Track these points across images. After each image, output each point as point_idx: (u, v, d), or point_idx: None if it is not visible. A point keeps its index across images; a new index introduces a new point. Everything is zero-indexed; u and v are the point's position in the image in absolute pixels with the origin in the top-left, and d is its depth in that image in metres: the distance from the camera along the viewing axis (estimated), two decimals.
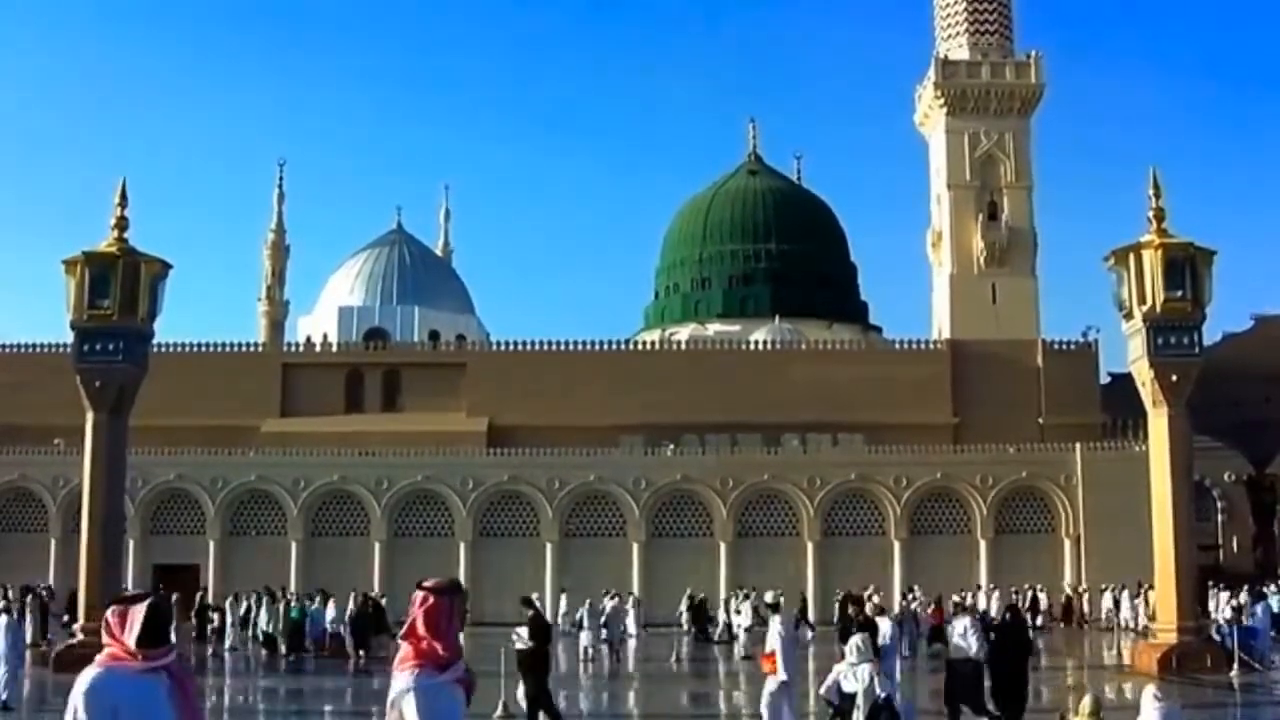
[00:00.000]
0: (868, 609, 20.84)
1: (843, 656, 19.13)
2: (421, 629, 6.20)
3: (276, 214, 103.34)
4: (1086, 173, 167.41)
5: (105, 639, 5.97)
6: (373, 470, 60.49)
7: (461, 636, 6.50)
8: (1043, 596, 54.03)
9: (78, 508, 35.17)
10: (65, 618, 44.44)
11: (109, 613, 6.01)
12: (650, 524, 60.44)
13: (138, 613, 5.90)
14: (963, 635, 19.62)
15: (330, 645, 38.65)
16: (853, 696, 16.66)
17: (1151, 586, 50.08)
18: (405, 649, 6.24)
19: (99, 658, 5.94)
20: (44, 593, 44.26)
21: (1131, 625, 49.62)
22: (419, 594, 6.28)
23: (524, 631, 20.22)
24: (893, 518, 60.22)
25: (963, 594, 45.41)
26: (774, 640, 18.75)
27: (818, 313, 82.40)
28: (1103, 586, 55.02)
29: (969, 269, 75.97)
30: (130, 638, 5.86)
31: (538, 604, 22.40)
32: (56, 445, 56.87)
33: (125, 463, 33.91)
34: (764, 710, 18.30)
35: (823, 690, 17.77)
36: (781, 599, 32.24)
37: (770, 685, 18.30)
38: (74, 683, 5.86)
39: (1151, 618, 48.61)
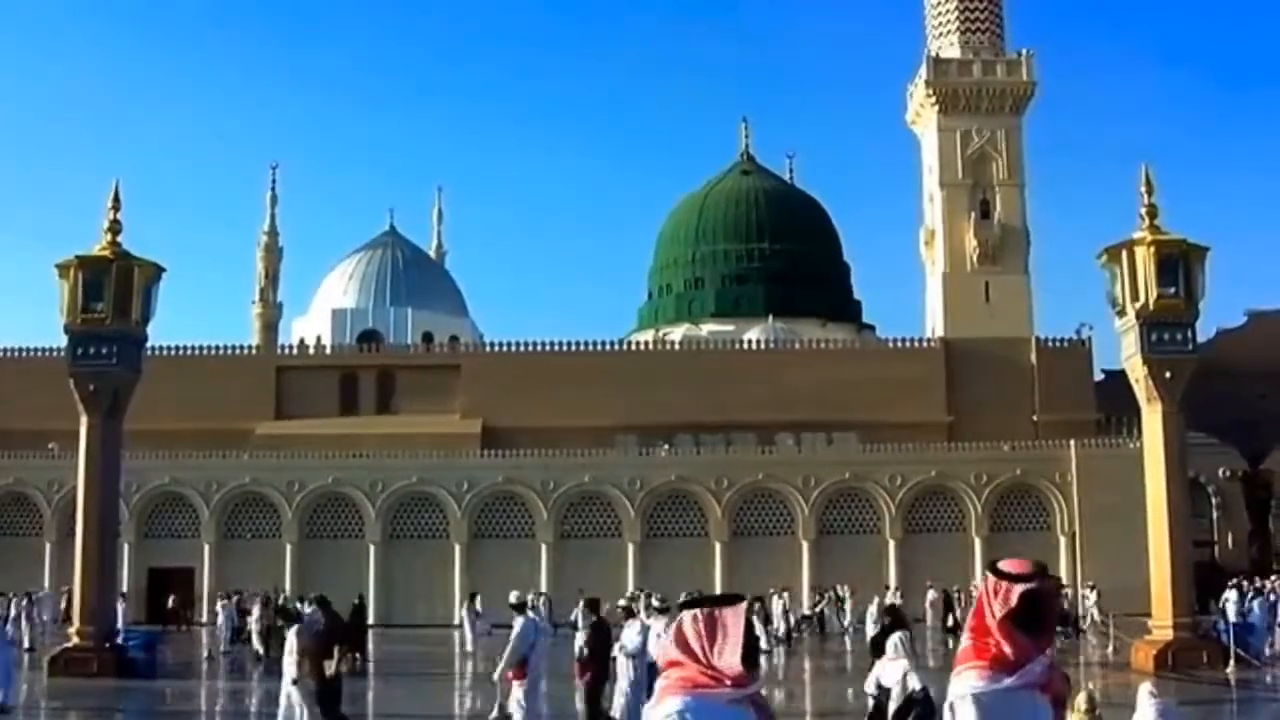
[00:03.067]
0: (604, 610, 20.63)
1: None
2: (992, 624, 4.88)
3: (269, 216, 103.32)
4: (1079, 170, 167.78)
5: (676, 653, 4.60)
6: (367, 472, 60.45)
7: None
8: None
9: (73, 511, 35.10)
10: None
11: (685, 620, 4.65)
12: (645, 524, 60.44)
13: (734, 622, 4.56)
14: (658, 638, 18.75)
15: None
16: (889, 691, 16.79)
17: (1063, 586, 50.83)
18: (965, 644, 5.01)
19: (672, 681, 4.57)
20: None
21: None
22: (991, 580, 4.96)
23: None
24: (888, 516, 60.26)
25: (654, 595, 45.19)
26: (513, 642, 18.12)
27: (811, 312, 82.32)
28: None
29: (962, 267, 76.00)
30: (729, 657, 4.50)
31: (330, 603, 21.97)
32: (51, 449, 56.76)
33: (120, 466, 33.85)
34: (515, 714, 17.62)
35: (867, 687, 17.76)
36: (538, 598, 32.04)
37: (515, 693, 17.69)
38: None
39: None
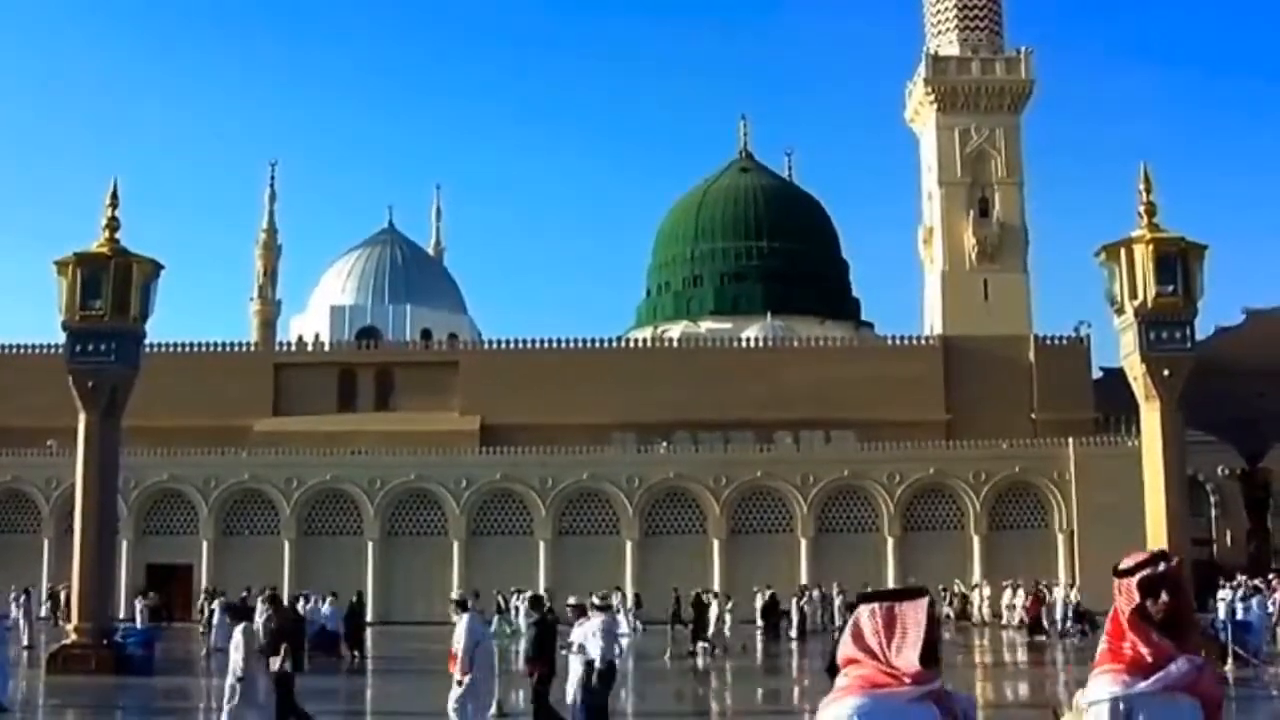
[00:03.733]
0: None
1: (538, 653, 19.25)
2: (1125, 626, 4.58)
3: (268, 214, 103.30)
4: (1077, 168, 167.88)
5: (854, 650, 4.24)
6: (365, 469, 60.46)
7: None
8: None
9: (71, 509, 35.11)
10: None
11: (863, 614, 4.27)
12: (643, 522, 60.44)
13: (914, 618, 4.20)
14: (594, 636, 18.68)
15: (323, 644, 38.53)
16: None
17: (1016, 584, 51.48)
18: (1101, 647, 4.70)
19: (850, 680, 4.22)
20: None
21: (1022, 622, 49.89)
22: (1115, 582, 4.69)
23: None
24: (886, 514, 60.25)
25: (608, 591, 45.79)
26: (458, 640, 17.91)
27: (810, 310, 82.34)
28: (1004, 584, 54.64)
29: (961, 265, 76.05)
30: (909, 654, 4.15)
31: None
32: (49, 446, 56.75)
33: (118, 463, 33.84)
34: (451, 714, 17.59)
35: None
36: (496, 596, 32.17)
37: (455, 689, 17.60)
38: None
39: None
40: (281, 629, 19.27)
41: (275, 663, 18.37)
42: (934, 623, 4.22)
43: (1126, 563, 4.73)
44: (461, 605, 18.71)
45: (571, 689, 18.78)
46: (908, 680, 4.12)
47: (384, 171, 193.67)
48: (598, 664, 18.56)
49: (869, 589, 4.52)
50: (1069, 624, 47.23)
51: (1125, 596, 4.63)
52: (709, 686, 32.93)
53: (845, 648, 4.26)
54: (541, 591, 51.03)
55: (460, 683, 17.65)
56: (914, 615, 4.17)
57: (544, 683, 19.21)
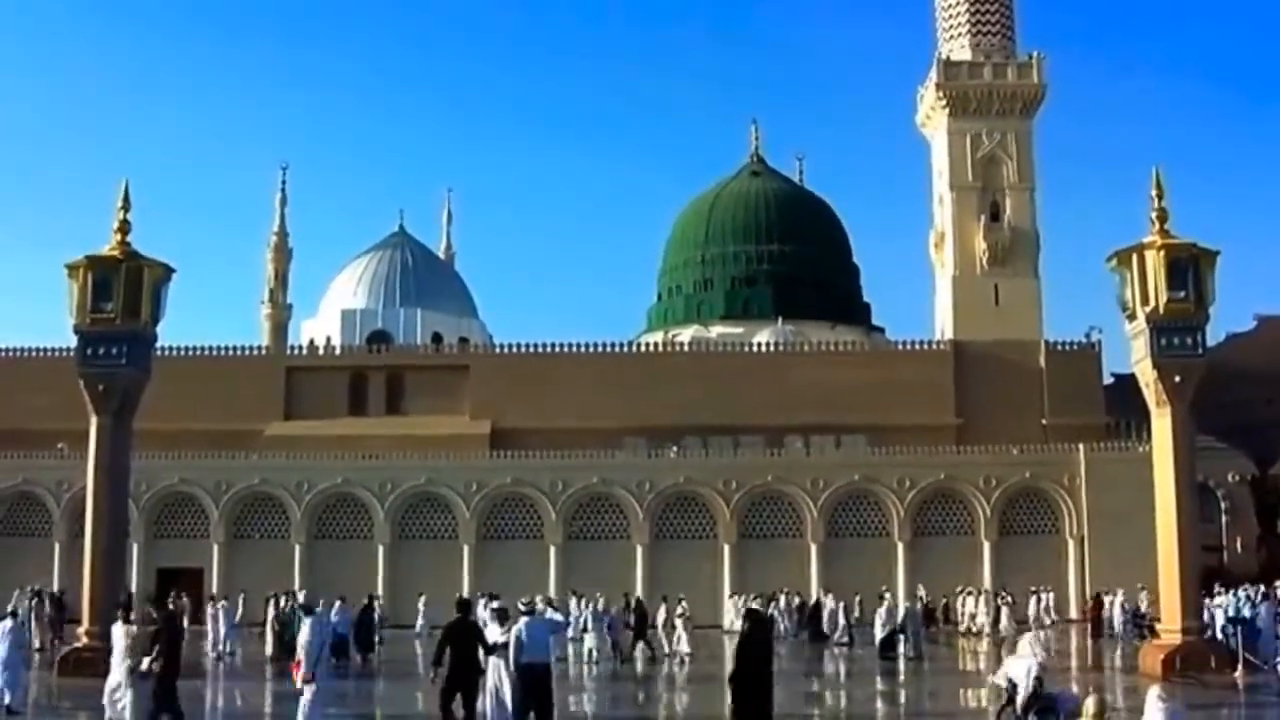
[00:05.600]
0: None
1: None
2: None
3: (279, 217, 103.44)
4: (1089, 173, 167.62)
5: None
6: (376, 473, 60.53)
7: None
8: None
9: (81, 511, 35.15)
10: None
11: None
12: (654, 526, 60.45)
13: None
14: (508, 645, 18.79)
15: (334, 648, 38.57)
16: (1017, 685, 17.84)
17: (996, 593, 51.29)
18: None
19: None
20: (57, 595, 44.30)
21: (983, 629, 49.75)
22: None
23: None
24: (896, 519, 60.22)
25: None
26: (302, 644, 18.00)
27: (820, 314, 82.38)
28: (964, 591, 54.27)
29: (971, 270, 75.97)
30: None
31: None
32: (60, 449, 56.91)
33: (129, 466, 33.83)
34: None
35: (997, 678, 18.90)
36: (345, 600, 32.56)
37: (305, 694, 17.70)
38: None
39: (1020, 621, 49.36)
40: (156, 630, 19.10)
41: (145, 662, 18.47)
42: None
43: None
44: (307, 609, 18.47)
45: (490, 695, 18.69)
46: None
47: (395, 175, 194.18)
48: (501, 670, 18.52)
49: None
50: (1128, 627, 47.43)
51: None
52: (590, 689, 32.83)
53: None
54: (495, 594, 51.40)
55: (302, 686, 17.54)
56: None
57: (449, 683, 18.93)
